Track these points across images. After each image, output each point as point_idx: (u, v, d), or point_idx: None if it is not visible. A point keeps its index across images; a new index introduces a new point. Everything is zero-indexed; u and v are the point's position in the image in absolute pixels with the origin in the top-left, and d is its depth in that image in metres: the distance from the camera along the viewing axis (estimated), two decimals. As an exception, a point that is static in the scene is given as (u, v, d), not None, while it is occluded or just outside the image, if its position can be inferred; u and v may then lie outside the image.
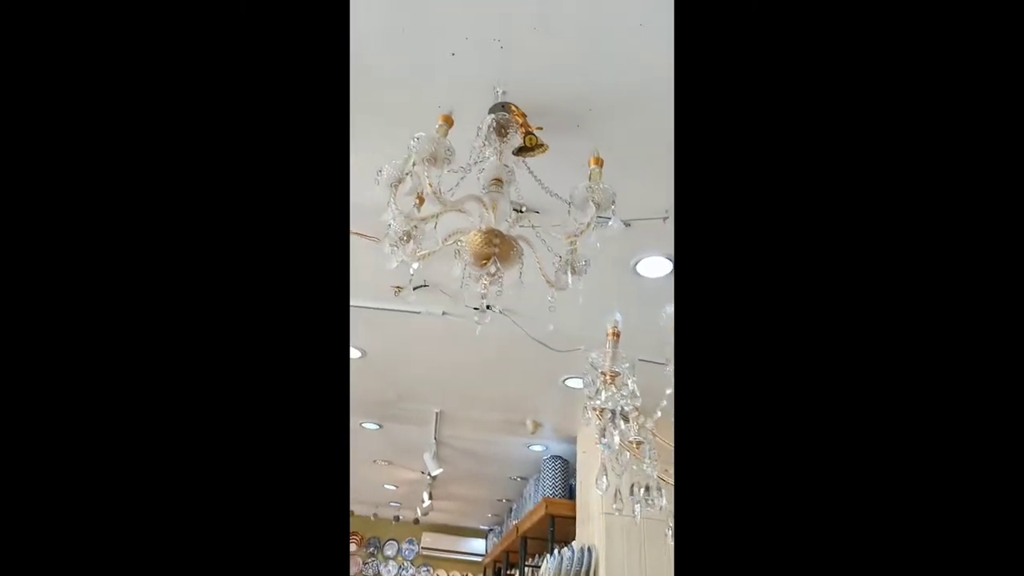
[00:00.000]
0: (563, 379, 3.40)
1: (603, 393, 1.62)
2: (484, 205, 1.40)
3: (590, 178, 1.40)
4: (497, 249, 1.36)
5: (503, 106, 1.56)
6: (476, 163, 1.52)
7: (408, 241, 1.39)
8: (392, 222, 1.36)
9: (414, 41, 1.54)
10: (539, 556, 4.66)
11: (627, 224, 2.00)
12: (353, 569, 7.26)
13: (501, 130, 1.53)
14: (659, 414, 1.72)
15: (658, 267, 2.34)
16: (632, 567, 3.31)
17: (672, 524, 1.74)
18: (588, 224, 1.37)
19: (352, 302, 2.68)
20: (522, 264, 1.43)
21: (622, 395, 1.62)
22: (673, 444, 0.87)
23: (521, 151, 1.54)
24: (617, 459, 1.66)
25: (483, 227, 1.38)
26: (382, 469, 5.65)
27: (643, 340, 1.65)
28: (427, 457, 4.33)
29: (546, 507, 4.25)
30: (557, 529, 4.18)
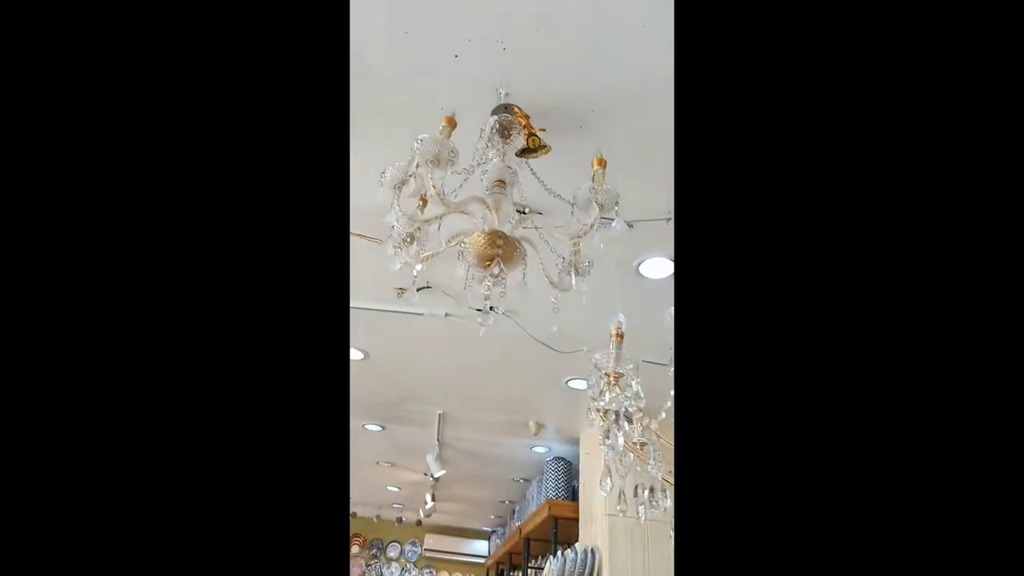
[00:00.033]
0: (566, 380, 3.39)
1: (607, 394, 1.61)
2: (487, 206, 1.40)
3: (593, 179, 1.40)
4: (500, 250, 1.36)
5: (506, 107, 1.56)
6: (479, 164, 1.52)
7: (411, 243, 1.39)
8: (396, 224, 1.37)
9: (416, 42, 1.54)
10: (542, 558, 4.66)
11: (630, 225, 1.99)
12: (356, 571, 7.25)
13: (504, 131, 1.54)
14: (663, 415, 1.72)
15: (661, 268, 2.34)
16: (636, 568, 3.30)
17: (676, 525, 1.74)
18: (591, 225, 1.37)
19: (355, 304, 2.68)
20: (525, 265, 1.43)
21: (626, 396, 1.61)
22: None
23: (524, 152, 1.54)
24: (621, 460, 1.66)
25: (486, 228, 1.38)
26: (385, 471, 5.66)
27: (646, 341, 1.65)
28: (430, 459, 4.33)
29: (549, 508, 4.25)
30: (560, 531, 4.18)
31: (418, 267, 1.42)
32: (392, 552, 7.64)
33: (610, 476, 1.68)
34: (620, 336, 1.70)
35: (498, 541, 6.80)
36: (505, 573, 5.82)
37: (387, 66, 1.61)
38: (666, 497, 1.78)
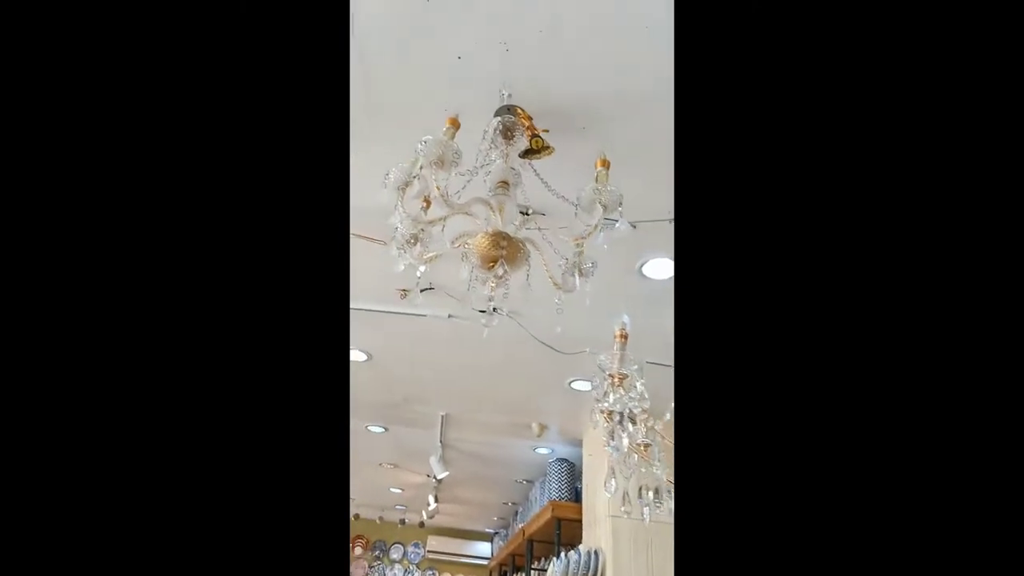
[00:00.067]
0: (569, 381, 3.39)
1: (611, 395, 1.61)
2: (491, 208, 1.40)
3: (597, 180, 1.40)
4: (504, 251, 1.36)
5: (509, 108, 1.56)
6: (482, 166, 1.52)
7: (415, 244, 1.39)
8: (399, 225, 1.37)
9: (420, 43, 1.54)
10: (545, 559, 4.65)
11: (634, 226, 1.99)
12: (359, 573, 7.26)
13: (507, 133, 1.53)
14: (668, 416, 1.72)
15: (664, 269, 2.33)
16: (640, 570, 3.29)
17: (680, 527, 1.74)
18: (595, 226, 1.37)
19: (358, 305, 2.69)
20: (529, 266, 1.43)
21: (630, 397, 1.61)
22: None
23: (527, 153, 1.54)
24: (625, 462, 1.66)
25: (490, 230, 1.38)
26: (388, 472, 5.66)
27: (650, 342, 1.65)
28: (433, 460, 4.33)
29: (552, 510, 4.24)
30: (563, 532, 4.17)
31: (422, 268, 1.42)
32: (395, 554, 7.64)
33: (614, 477, 1.68)
34: (624, 337, 1.70)
35: (501, 543, 6.79)
36: (508, 575, 5.82)
37: (390, 67, 1.61)
38: (670, 498, 1.78)
